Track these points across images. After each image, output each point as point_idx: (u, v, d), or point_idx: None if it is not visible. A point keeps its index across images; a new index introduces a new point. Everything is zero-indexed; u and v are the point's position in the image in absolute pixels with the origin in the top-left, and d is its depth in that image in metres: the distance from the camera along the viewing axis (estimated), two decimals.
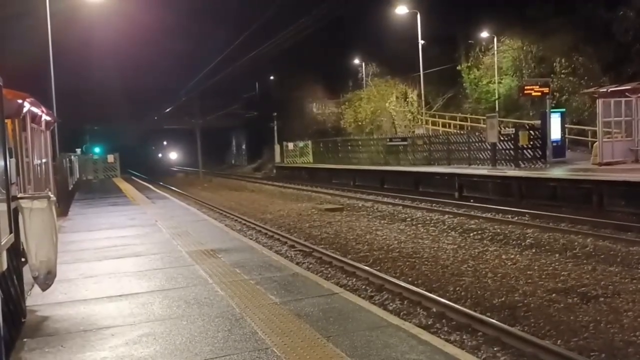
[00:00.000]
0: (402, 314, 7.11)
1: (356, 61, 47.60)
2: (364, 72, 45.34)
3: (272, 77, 61.73)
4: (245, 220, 16.51)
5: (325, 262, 10.50)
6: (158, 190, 24.37)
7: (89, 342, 4.74)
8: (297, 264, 9.74)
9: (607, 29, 26.72)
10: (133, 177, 39.01)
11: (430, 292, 7.82)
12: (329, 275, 9.41)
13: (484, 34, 37.17)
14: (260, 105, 56.73)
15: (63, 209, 15.33)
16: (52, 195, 5.62)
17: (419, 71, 34.76)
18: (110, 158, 37.08)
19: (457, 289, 8.14)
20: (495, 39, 35.82)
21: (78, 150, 38.51)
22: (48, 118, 12.30)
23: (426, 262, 9.88)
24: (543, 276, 8.50)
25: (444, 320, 6.83)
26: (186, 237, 10.18)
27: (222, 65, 37.76)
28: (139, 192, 22.34)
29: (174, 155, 76.39)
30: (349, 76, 47.80)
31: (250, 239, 12.36)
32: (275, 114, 35.36)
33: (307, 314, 5.21)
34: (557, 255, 9.88)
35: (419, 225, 14.00)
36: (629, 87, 17.86)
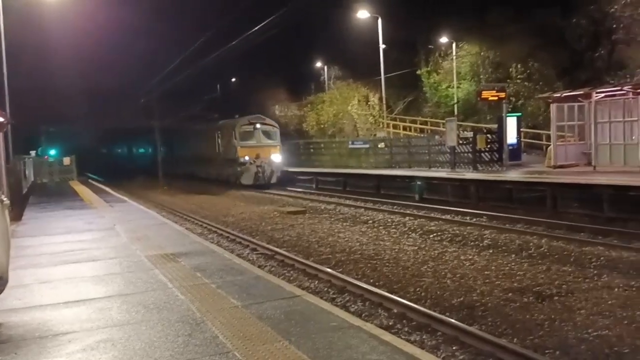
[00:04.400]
0: (363, 315, 7.18)
1: (319, 64, 47.77)
2: (326, 75, 45.53)
3: (233, 79, 61.30)
4: (207, 223, 16.34)
5: (288, 264, 10.50)
6: (116, 194, 23.84)
7: (44, 349, 4.62)
8: (259, 267, 9.71)
9: (561, 35, 27.61)
10: (91, 180, 38.04)
11: (392, 293, 7.92)
12: (292, 278, 9.41)
13: (444, 39, 37.86)
14: (222, 106, 56.24)
15: (17, 212, 14.83)
16: (4, 199, 5.45)
17: (381, 75, 35.14)
18: (67, 160, 36.09)
19: (418, 289, 8.26)
20: (454, 45, 36.54)
21: (33, 153, 37.29)
22: (0, 119, 11.91)
23: (387, 264, 10.00)
24: (500, 276, 8.71)
25: (404, 321, 6.93)
26: (145, 241, 10.01)
27: (183, 66, 37.27)
28: (96, 196, 21.83)
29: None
30: (312, 79, 47.93)
31: (212, 242, 12.22)
32: (237, 115, 35.13)
33: (269, 316, 5.20)
34: (513, 255, 10.15)
35: (381, 227, 14.14)
36: (582, 92, 18.48)
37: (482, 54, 34.64)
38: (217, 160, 31.79)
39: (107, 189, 27.63)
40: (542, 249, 10.59)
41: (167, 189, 31.48)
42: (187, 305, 5.68)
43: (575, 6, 26.50)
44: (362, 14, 29.92)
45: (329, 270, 9.51)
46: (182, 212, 19.47)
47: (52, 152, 41.94)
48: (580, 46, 26.97)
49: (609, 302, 7.15)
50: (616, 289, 7.67)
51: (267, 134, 29.33)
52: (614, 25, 25.49)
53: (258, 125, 29.09)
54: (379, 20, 29.67)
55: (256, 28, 26.89)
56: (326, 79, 45.33)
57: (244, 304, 5.66)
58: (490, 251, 10.60)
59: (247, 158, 27.90)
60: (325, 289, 8.68)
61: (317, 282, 9.13)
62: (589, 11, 26.04)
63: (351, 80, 40.47)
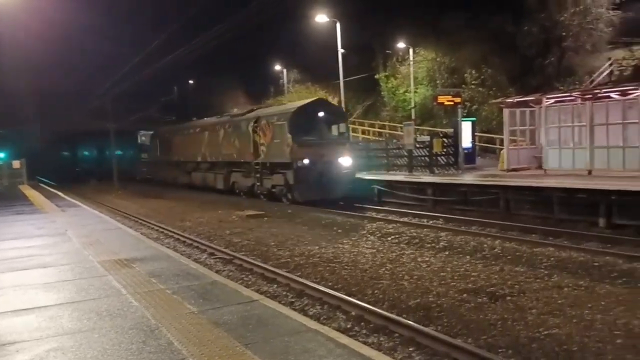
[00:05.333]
0: (322, 318, 7.19)
1: (278, 67, 47.71)
2: (285, 79, 45.52)
3: (191, 81, 60.51)
4: (163, 228, 16.06)
5: (246, 269, 10.42)
6: (69, 198, 23.17)
7: None
8: (217, 271, 9.60)
9: (513, 42, 28.44)
10: (42, 184, 36.82)
11: (350, 296, 7.96)
12: (250, 283, 9.34)
13: (401, 45, 38.41)
14: (179, 109, 55.42)
15: None
16: None
17: (339, 79, 35.36)
18: (16, 164, 34.82)
19: (375, 292, 8.33)
20: (411, 50, 37.11)
21: None
22: None
23: (346, 267, 10.04)
24: (455, 277, 8.88)
25: (362, 323, 6.98)
26: (98, 246, 9.76)
27: (139, 68, 36.59)
28: (47, 200, 21.16)
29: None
30: (271, 82, 47.83)
31: (168, 247, 12.03)
32: (195, 118, 34.73)
33: (225, 322, 5.15)
34: (468, 257, 10.37)
35: (339, 230, 14.21)
36: (532, 98, 19.06)
37: (438, 59, 35.32)
38: (239, 165, 23.72)
39: (59, 193, 26.82)
40: (496, 250, 10.85)
41: (122, 193, 30.79)
42: (141, 312, 5.57)
43: (526, 14, 27.32)
44: (321, 18, 30.03)
45: (287, 274, 9.49)
46: (137, 217, 19.07)
47: (1, 155, 40.40)
48: (531, 53, 27.85)
49: (559, 301, 7.38)
50: (566, 289, 7.93)
51: (334, 126, 20.73)
52: (563, 33, 26.49)
53: (321, 113, 20.13)
54: (337, 25, 29.85)
55: (221, 27, 26.59)
56: (285, 82, 45.33)
57: (200, 309, 5.59)
58: (446, 253, 10.80)
59: (306, 161, 19.07)
60: (284, 292, 8.66)
61: (275, 286, 9.10)
62: (539, 19, 26.95)
63: (310, 83, 40.59)
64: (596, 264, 9.36)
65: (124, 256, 8.65)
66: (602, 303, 7.14)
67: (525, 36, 27.60)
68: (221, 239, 13.82)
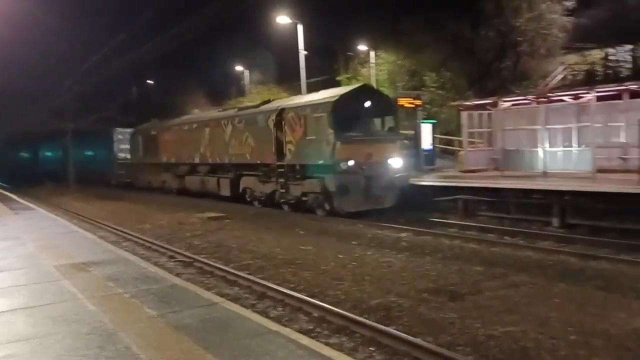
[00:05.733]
0: (283, 320, 7.18)
1: (239, 68, 47.43)
2: (247, 80, 45.27)
3: (151, 81, 59.53)
4: (121, 231, 15.73)
5: (207, 272, 10.31)
6: (23, 201, 22.47)
7: None
8: (177, 275, 9.47)
9: (471, 46, 29.05)
10: None
11: (312, 297, 7.97)
12: (211, 286, 9.24)
13: (363, 47, 38.73)
14: (139, 109, 54.42)
15: None
16: None
17: (301, 80, 35.42)
18: None
19: (337, 292, 8.37)
20: (373, 52, 37.45)
21: None
22: None
23: (308, 268, 10.05)
24: (416, 277, 9.00)
25: (324, 324, 7.00)
26: (54, 250, 9.50)
27: (97, 67, 35.78)
28: (0, 203, 20.45)
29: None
30: (232, 83, 47.50)
31: (126, 250, 11.79)
32: (155, 119, 34.15)
33: (185, 325, 5.09)
34: (428, 257, 10.52)
35: (302, 231, 14.21)
36: (490, 101, 19.52)
37: (398, 62, 35.75)
38: (253, 167, 19.83)
39: (13, 195, 25.97)
40: (455, 250, 11.06)
41: (79, 196, 30.03)
42: (98, 317, 5.45)
43: (484, 19, 27.97)
44: (283, 19, 30.00)
45: (249, 276, 9.44)
46: (95, 220, 18.63)
47: None
48: (488, 57, 28.52)
49: (515, 299, 7.57)
50: (522, 287, 8.14)
51: (382, 119, 17.33)
52: (519, 38, 27.21)
53: (368, 103, 16.56)
54: (299, 27, 29.89)
55: (174, 29, 26.24)
56: (247, 83, 45.09)
57: (159, 313, 5.51)
58: (407, 253, 10.94)
59: (352, 163, 15.70)
60: (245, 295, 8.61)
61: (237, 288, 9.04)
62: (496, 24, 27.60)
63: (272, 84, 40.49)
64: (550, 262, 9.65)
65: (81, 260, 8.45)
66: (556, 300, 7.37)
67: (483, 41, 28.24)
68: (181, 242, 13.64)
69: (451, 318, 6.94)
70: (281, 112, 18.09)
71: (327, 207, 16.44)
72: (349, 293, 8.29)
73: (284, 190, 18.06)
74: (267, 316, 7.07)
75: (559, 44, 26.78)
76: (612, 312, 6.70)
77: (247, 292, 8.73)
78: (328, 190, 15.99)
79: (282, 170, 17.90)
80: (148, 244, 13.45)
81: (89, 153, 43.35)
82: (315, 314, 7.33)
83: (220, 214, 17.95)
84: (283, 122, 17.83)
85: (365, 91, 17.58)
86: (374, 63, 37.19)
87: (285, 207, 18.24)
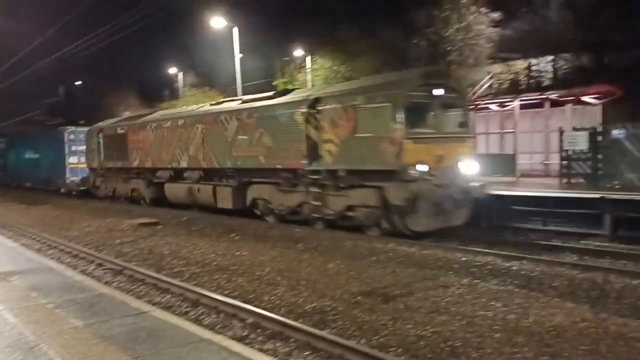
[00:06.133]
0: (217, 327, 7.08)
1: (174, 70, 46.50)
2: (181, 82, 44.45)
3: (79, 82, 57.32)
4: (46, 238, 15.02)
5: (138, 279, 10.02)
6: None
7: None
8: (105, 283, 9.16)
9: (404, 55, 29.80)
10: None
11: (246, 303, 7.91)
12: (141, 294, 8.99)
13: (300, 52, 38.95)
14: (66, 111, 52.20)
15: None
16: None
17: (237, 84, 35.18)
18: None
19: (273, 298, 8.34)
20: (309, 58, 37.73)
21: None
22: None
23: (243, 274, 9.97)
24: (350, 281, 9.11)
25: (259, 330, 6.97)
26: None
27: (19, 67, 34.04)
28: None
29: None
30: (166, 85, 46.52)
31: (51, 258, 11.29)
32: (83, 121, 32.76)
33: (113, 335, 4.93)
34: (362, 260, 10.67)
35: (238, 237, 14.06)
36: None
37: (334, 68, 36.18)
38: (270, 173, 15.90)
39: None
40: (389, 253, 11.25)
41: (0, 201, 28.42)
42: (19, 329, 5.18)
43: (416, 29, 28.79)
44: (218, 22, 29.64)
45: (181, 283, 9.25)
46: (17, 227, 17.69)
47: None
48: (420, 65, 29.35)
49: (445, 300, 7.80)
50: (451, 288, 8.40)
51: (454, 114, 13.71)
52: (449, 48, 28.18)
53: (439, 91, 13.00)
54: (235, 30, 29.65)
55: (103, 28, 25.39)
56: (181, 85, 44.27)
57: (86, 323, 5.31)
58: (342, 258, 11.03)
59: (424, 168, 12.38)
60: (178, 303, 8.43)
61: (169, 296, 8.83)
62: (427, 34, 28.48)
63: (207, 87, 39.95)
64: (477, 263, 10.01)
65: (0, 270, 7.99)
66: (483, 300, 7.66)
67: (414, 49, 29.05)
68: (111, 249, 13.18)
69: (384, 320, 7.07)
70: (316, 103, 14.16)
71: (384, 225, 12.98)
72: (284, 298, 8.27)
73: (319, 203, 14.21)
74: (200, 324, 6.95)
75: (486, 54, 27.91)
76: (534, 310, 7.04)
77: (180, 300, 8.54)
78: (389, 203, 12.53)
79: (317, 177, 14.13)
80: (75, 252, 12.91)
81: (32, 156, 35.66)
82: (250, 320, 7.27)
83: (153, 220, 17.47)
84: (320, 116, 13.90)
85: (435, 75, 13.80)
86: (310, 68, 37.47)
87: (319, 225, 14.60)
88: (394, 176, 12.33)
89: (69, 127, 31.46)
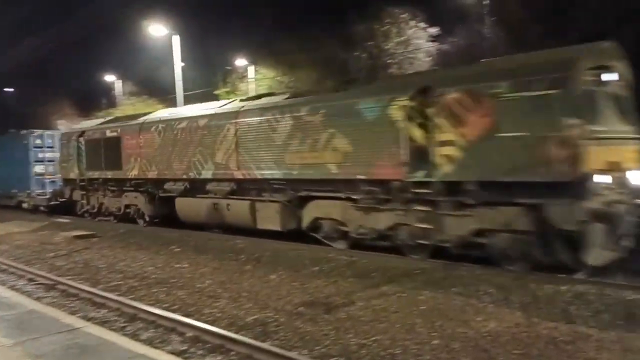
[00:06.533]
0: (155, 342, 6.90)
1: (111, 78, 45.24)
2: (120, 90, 43.31)
3: (9, 90, 54.76)
4: None
5: (72, 294, 9.64)
6: None
7: None
8: (37, 299, 8.76)
9: (344, 66, 30.25)
10: None
11: (186, 317, 7.76)
12: (75, 309, 8.64)
13: (243, 62, 38.78)
14: None
15: None
16: None
17: (177, 93, 34.61)
18: None
19: (213, 310, 8.23)
20: (251, 68, 37.62)
21: None
22: None
23: (183, 287, 9.78)
24: (292, 291, 9.11)
25: (199, 344, 6.85)
26: None
27: None
28: None
29: None
30: (104, 94, 45.23)
31: None
32: (13, 130, 31.18)
33: (45, 353, 4.73)
34: (305, 271, 10.67)
35: (178, 249, 13.77)
36: None
37: (276, 78, 36.25)
38: (342, 186, 12.17)
39: None
40: (331, 263, 11.29)
41: None
42: None
43: (357, 41, 29.36)
44: (157, 30, 29.04)
45: (118, 297, 8.97)
46: None
47: None
48: (361, 77, 29.87)
49: (385, 308, 7.92)
50: (391, 296, 8.54)
51: (624, 107, 10.11)
52: (389, 61, 28.89)
53: (612, 76, 9.74)
54: (176, 38, 29.19)
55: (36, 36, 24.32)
56: (119, 93, 43.15)
57: (15, 341, 5.07)
58: (284, 269, 11.00)
59: (607, 179, 9.10)
60: (114, 318, 8.16)
61: (105, 311, 8.55)
62: (368, 47, 29.08)
63: (147, 96, 39.12)
64: (417, 272, 10.19)
65: None
66: (422, 308, 7.83)
67: (355, 61, 29.58)
68: (43, 263, 12.63)
69: (326, 330, 7.12)
70: (424, 93, 10.60)
71: (538, 256, 9.49)
72: (225, 310, 8.14)
73: (427, 226, 10.64)
74: (138, 339, 6.76)
75: (425, 67, 28.75)
76: (471, 316, 7.26)
77: (117, 315, 8.28)
78: (552, 227, 9.19)
79: (424, 190, 10.55)
80: (4, 267, 12.28)
81: None
82: (190, 334, 7.14)
83: (88, 233, 16.87)
84: (430, 110, 10.43)
85: (605, 54, 9.96)
86: (253, 78, 37.38)
87: (418, 253, 11.04)
88: (561, 190, 8.97)
89: (35, 131, 25.75)
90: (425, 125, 10.57)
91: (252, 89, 37.23)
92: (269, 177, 13.81)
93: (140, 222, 18.52)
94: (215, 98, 38.96)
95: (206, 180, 15.70)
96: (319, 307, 8.10)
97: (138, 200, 18.54)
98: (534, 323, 6.81)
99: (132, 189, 18.67)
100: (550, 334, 6.43)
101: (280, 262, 11.63)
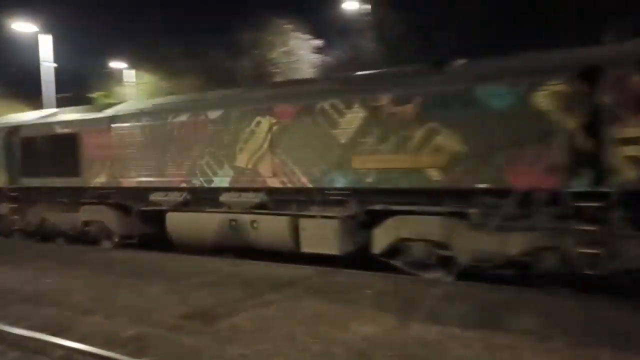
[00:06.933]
0: None
1: None
2: None
3: None
4: None
5: None
6: None
7: None
8: None
9: (230, 75, 30.11)
10: None
11: (55, 336, 7.27)
12: None
13: (122, 64, 37.21)
14: None
15: None
16: None
17: (50, 94, 32.35)
18: None
19: (86, 327, 7.78)
20: (131, 71, 36.22)
21: None
22: None
23: (53, 303, 9.13)
24: (172, 304, 8.85)
25: None
26: None
27: None
28: None
29: None
30: None
31: None
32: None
33: None
34: (187, 281, 10.41)
35: (48, 262, 12.82)
36: None
37: (158, 84, 35.23)
38: (458, 198, 9.39)
39: None
40: (215, 274, 11.10)
41: None
42: None
43: (243, 50, 29.45)
44: (23, 27, 26.92)
45: None
46: None
47: None
48: (246, 84, 29.95)
49: (268, 317, 7.96)
50: (274, 305, 8.59)
51: None
52: (274, 70, 29.25)
53: None
54: (46, 37, 27.29)
55: None
56: None
57: None
58: (165, 281, 10.67)
59: None
60: None
61: None
62: (253, 55, 29.26)
63: (12, 98, 36.13)
64: (300, 280, 10.37)
65: None
66: (304, 315, 7.96)
67: (241, 70, 29.63)
68: None
69: (206, 342, 7.01)
70: (591, 75, 8.03)
71: None
72: (101, 326, 7.75)
73: (595, 251, 8.12)
74: None
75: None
76: (350, 321, 7.52)
77: None
78: None
79: (591, 204, 7.99)
80: None
81: None
82: (60, 353, 6.70)
83: None
84: (606, 97, 7.94)
85: None
86: (134, 82, 35.98)
87: (560, 287, 8.53)
88: None
89: None
90: (594, 117, 8.07)
91: (130, 93, 35.81)
92: (327, 185, 10.71)
93: (106, 243, 14.89)
94: (89, 102, 37.03)
95: (218, 190, 12.41)
96: (200, 319, 7.96)
97: (105, 215, 14.63)
98: (406, 325, 7.21)
99: (94, 201, 14.80)
100: (421, 335, 6.85)
101: (160, 274, 11.27)
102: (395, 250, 10.20)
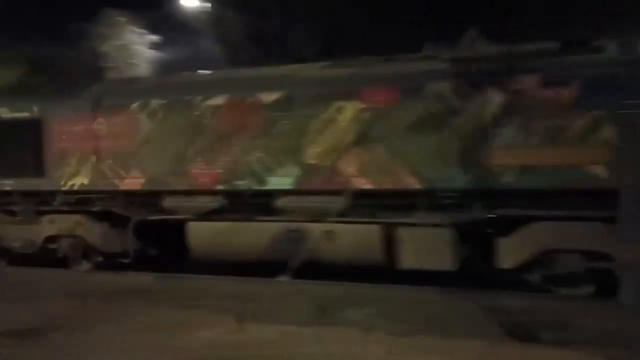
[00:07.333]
0: None
1: None
2: None
3: None
4: None
5: None
6: None
7: None
8: None
9: (58, 65, 27.87)
10: None
11: None
12: None
13: None
14: None
15: None
16: None
17: None
18: None
19: None
20: None
21: None
22: None
23: None
24: None
25: None
26: None
27: None
28: None
29: None
30: None
31: None
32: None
33: None
34: (9, 295, 9.59)
35: None
36: None
37: None
38: None
39: None
40: (46, 286, 10.30)
41: None
42: None
43: (71, 40, 27.47)
44: None
45: None
46: None
47: None
48: (79, 79, 27.98)
49: (101, 331, 7.69)
50: (109, 317, 8.29)
51: None
52: (107, 65, 27.78)
53: None
54: None
55: None
56: None
57: None
58: None
59: None
60: None
61: None
62: (82, 47, 27.44)
63: None
64: (139, 290, 10.06)
65: None
66: (141, 325, 7.81)
67: (70, 63, 27.63)
68: None
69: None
70: None
71: None
72: None
73: None
74: None
75: (146, 74, 28.38)
76: (189, 327, 7.59)
77: None
78: None
79: None
80: None
81: None
82: None
83: None
84: None
85: None
86: None
87: None
88: None
89: None
90: None
91: None
92: (444, 186, 8.70)
93: (83, 265, 11.61)
94: None
95: (274, 194, 9.86)
96: (23, 336, 7.43)
97: (83, 227, 11.30)
98: (245, 328, 7.52)
99: (67, 209, 11.39)
100: (260, 335, 7.20)
101: None
102: (535, 262, 8.35)
